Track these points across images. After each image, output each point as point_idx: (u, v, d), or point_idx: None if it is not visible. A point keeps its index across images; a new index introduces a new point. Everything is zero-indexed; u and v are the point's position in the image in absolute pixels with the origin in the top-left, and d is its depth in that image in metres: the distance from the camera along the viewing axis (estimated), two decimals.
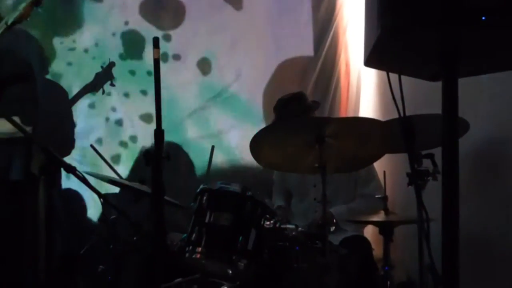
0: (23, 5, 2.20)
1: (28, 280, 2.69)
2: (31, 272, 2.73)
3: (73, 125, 3.36)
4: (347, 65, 3.64)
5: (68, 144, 3.33)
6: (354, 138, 2.18)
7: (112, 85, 3.25)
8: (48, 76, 3.34)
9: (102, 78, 3.26)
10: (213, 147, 3.01)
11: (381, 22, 1.21)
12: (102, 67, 3.29)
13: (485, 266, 2.35)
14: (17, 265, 2.65)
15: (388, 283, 2.22)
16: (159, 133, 1.69)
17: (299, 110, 2.73)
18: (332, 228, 2.23)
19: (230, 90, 3.54)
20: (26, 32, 3.11)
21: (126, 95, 3.42)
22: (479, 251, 2.31)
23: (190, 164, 3.51)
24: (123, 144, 3.45)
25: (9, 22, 2.20)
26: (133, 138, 3.45)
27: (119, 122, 3.43)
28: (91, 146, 3.35)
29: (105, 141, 3.42)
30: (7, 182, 2.58)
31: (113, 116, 3.40)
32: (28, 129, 2.49)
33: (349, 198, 2.83)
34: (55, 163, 1.87)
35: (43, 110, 2.77)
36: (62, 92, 3.33)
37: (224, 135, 3.54)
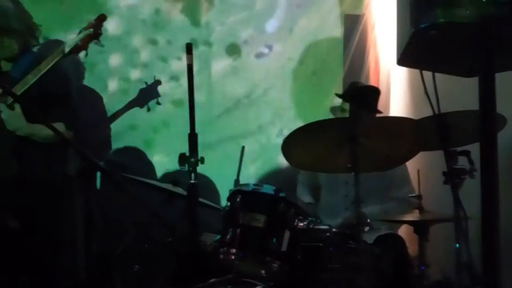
0: (80, 36, 2.24)
1: (69, 278, 2.77)
2: (71, 271, 2.81)
3: (108, 128, 3.43)
4: (376, 62, 3.61)
5: (105, 147, 3.40)
6: (387, 137, 2.16)
7: (158, 103, 3.22)
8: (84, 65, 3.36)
9: (147, 96, 3.24)
10: (243, 148, 3.02)
11: (414, 20, 1.20)
12: (146, 83, 3.28)
13: None
14: (57, 264, 2.74)
15: (425, 282, 2.19)
16: (193, 136, 1.72)
17: (373, 103, 2.79)
18: (366, 229, 2.21)
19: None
20: (60, 42, 3.18)
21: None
22: None
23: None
24: (155, 129, 3.50)
25: (66, 51, 2.26)
26: (165, 123, 3.49)
27: (151, 108, 3.49)
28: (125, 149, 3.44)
29: (138, 126, 3.48)
30: (47, 183, 2.67)
31: None
32: (70, 134, 2.58)
33: (381, 199, 2.80)
34: (92, 167, 1.93)
35: (80, 116, 2.84)
36: (97, 97, 3.41)
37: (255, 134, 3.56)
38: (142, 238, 2.64)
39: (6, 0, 2.54)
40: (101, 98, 3.42)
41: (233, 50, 3.58)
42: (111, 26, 3.48)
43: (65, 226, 2.84)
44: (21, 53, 2.59)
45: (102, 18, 2.30)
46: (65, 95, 2.67)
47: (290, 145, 2.18)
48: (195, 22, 3.55)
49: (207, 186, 3.45)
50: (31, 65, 2.43)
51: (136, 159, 3.51)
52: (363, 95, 2.78)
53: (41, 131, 2.47)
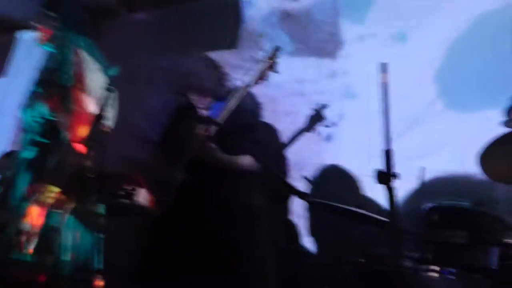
0: (261, 67, 2.52)
1: None
2: None
3: (286, 161, 3.65)
4: None
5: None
6: None
7: (327, 126, 3.40)
8: None
9: (315, 120, 3.49)
10: (423, 169, 2.91)
11: None
12: (314, 110, 3.48)
13: None
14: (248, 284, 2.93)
15: None
16: (388, 152, 1.75)
17: None
18: None
19: None
20: None
21: None
22: None
23: None
24: None
25: (251, 84, 2.57)
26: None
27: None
28: (305, 177, 3.61)
29: None
30: (249, 207, 2.94)
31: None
32: (258, 166, 2.82)
33: None
34: (290, 191, 2.08)
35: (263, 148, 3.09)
36: (275, 132, 3.68)
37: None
38: (331, 259, 2.69)
39: (199, 63, 2.95)
40: (278, 133, 3.68)
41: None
42: None
43: (259, 251, 3.06)
44: (215, 101, 2.98)
45: (277, 49, 2.51)
46: (253, 130, 2.96)
47: (489, 155, 2.05)
48: None
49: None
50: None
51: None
52: None
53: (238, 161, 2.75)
